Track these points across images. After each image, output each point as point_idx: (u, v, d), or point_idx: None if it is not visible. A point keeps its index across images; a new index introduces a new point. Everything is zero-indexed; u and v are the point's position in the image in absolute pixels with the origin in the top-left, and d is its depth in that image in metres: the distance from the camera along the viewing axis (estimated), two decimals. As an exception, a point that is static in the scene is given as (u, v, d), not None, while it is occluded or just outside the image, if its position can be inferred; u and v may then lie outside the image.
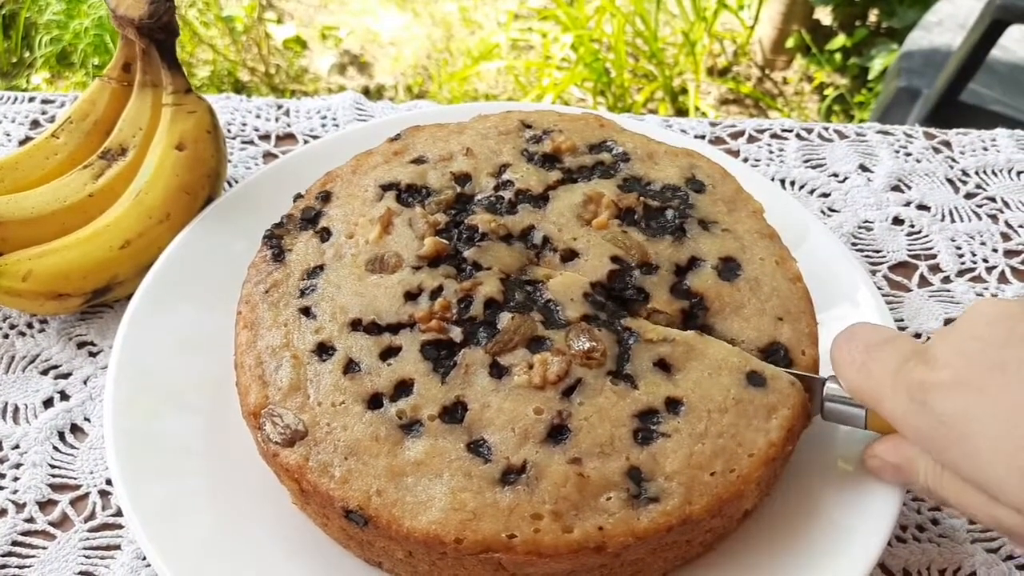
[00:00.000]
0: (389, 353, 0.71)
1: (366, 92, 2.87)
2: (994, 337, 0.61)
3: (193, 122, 0.92)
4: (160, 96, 0.94)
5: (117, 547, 0.76)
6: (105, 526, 0.77)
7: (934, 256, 1.02)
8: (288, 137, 1.12)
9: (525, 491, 0.64)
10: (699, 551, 0.70)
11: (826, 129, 1.17)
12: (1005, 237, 1.05)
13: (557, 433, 0.66)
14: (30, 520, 0.77)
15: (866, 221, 1.06)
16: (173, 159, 0.90)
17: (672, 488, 0.64)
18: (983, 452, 0.58)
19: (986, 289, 0.98)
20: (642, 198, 0.81)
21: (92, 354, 0.89)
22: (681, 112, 2.83)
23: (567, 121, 0.89)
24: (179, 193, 0.89)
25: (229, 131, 1.11)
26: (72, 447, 0.82)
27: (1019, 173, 1.13)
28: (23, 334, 0.90)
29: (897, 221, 1.06)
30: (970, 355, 0.61)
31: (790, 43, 2.95)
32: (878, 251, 1.02)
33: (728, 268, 0.77)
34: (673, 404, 0.68)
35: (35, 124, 1.11)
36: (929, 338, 0.74)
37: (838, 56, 2.87)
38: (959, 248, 1.03)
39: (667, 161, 0.85)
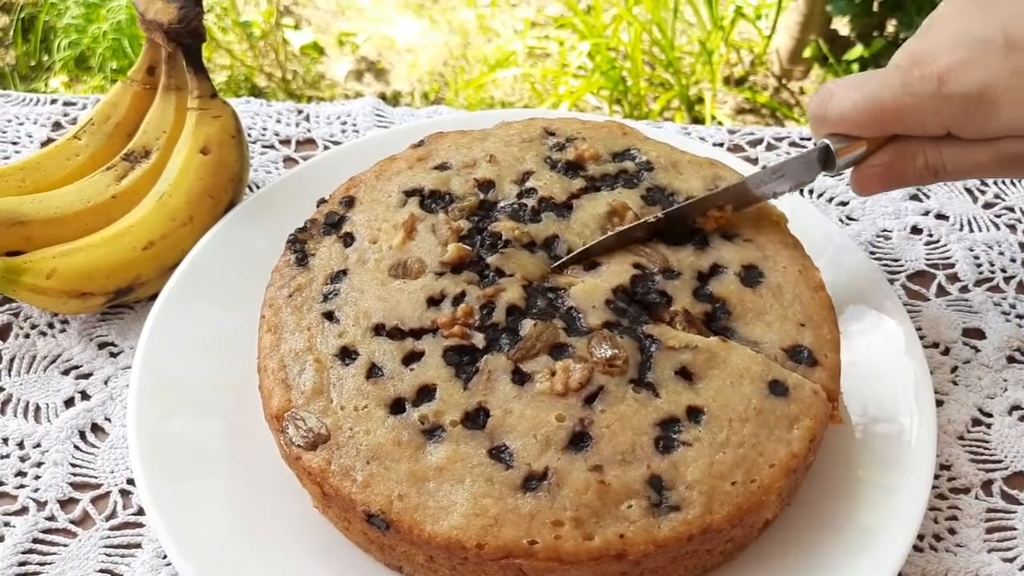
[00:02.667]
0: (412, 358, 0.71)
1: (383, 98, 2.88)
2: (961, 25, 0.76)
3: (218, 127, 0.92)
4: (184, 100, 0.95)
5: (138, 545, 0.76)
6: (126, 524, 0.77)
7: (952, 265, 1.02)
8: (308, 142, 1.12)
9: (546, 498, 0.64)
10: (719, 560, 0.70)
11: (845, 139, 1.17)
12: (1023, 247, 1.05)
13: (579, 440, 0.66)
14: (51, 518, 0.77)
15: (884, 230, 1.05)
16: (197, 163, 0.90)
17: (693, 497, 0.64)
18: (1004, 112, 0.74)
19: (1004, 299, 0.98)
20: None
21: (113, 355, 0.89)
22: (697, 121, 2.83)
23: (590, 129, 0.89)
24: (203, 196, 0.90)
25: (250, 135, 1.12)
26: (93, 446, 0.82)
27: (1038, 184, 1.13)
28: (44, 334, 0.90)
29: (915, 230, 1.06)
30: (955, 38, 0.76)
31: (807, 53, 2.94)
32: (896, 260, 1.02)
33: (750, 275, 0.77)
34: (694, 413, 0.68)
35: (57, 126, 1.12)
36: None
37: (855, 66, 2.86)
38: (977, 258, 1.03)
39: (691, 171, 0.85)
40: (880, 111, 0.78)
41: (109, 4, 2.82)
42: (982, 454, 0.85)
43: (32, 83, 2.83)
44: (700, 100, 2.88)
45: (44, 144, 1.09)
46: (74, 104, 1.15)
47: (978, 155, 0.80)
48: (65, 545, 0.76)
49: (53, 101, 1.15)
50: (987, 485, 0.82)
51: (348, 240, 0.80)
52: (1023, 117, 0.75)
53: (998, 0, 0.77)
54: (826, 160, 0.82)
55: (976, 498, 0.81)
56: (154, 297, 0.87)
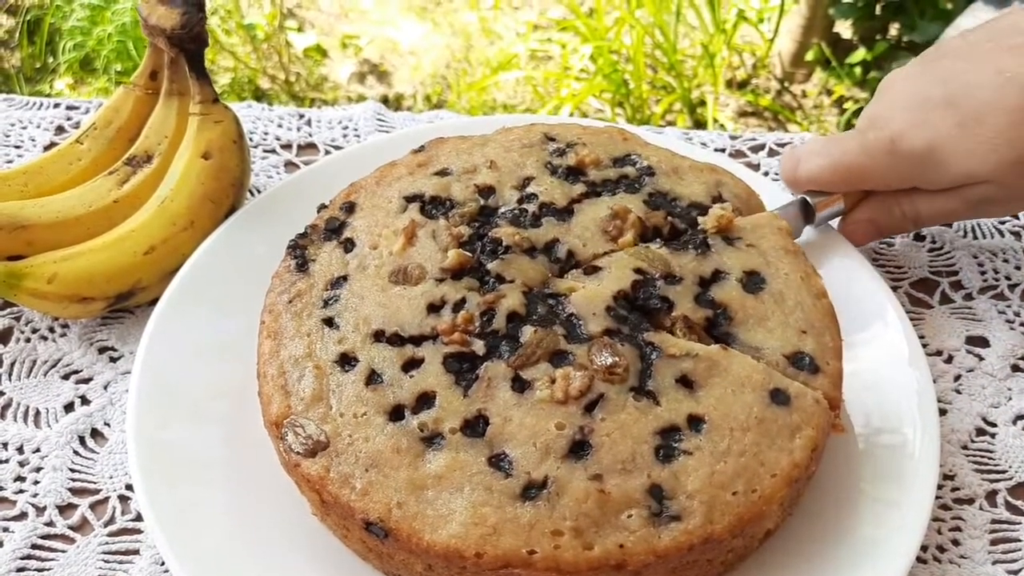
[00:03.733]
0: (411, 365, 0.71)
1: (385, 101, 2.88)
2: (909, 89, 0.85)
3: (219, 131, 0.92)
4: (186, 105, 0.95)
5: (136, 552, 0.76)
6: (124, 531, 0.77)
7: (956, 273, 1.01)
8: (310, 147, 1.12)
9: (546, 507, 0.63)
10: (720, 571, 0.70)
11: (848, 145, 1.17)
12: (1028, 255, 1.04)
13: (579, 449, 0.66)
14: (50, 524, 0.77)
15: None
16: (199, 167, 0.90)
17: (693, 507, 0.64)
18: (953, 163, 0.83)
19: (1008, 307, 0.98)
20: (670, 218, 0.81)
21: (113, 359, 0.89)
22: (699, 124, 2.83)
23: (590, 134, 0.89)
24: (204, 201, 0.90)
25: (251, 140, 1.11)
26: (92, 451, 0.82)
27: (1044, 192, 1.12)
28: (45, 338, 0.90)
29: (919, 237, 1.05)
30: (905, 100, 0.85)
31: (810, 56, 2.93)
32: (899, 267, 1.02)
33: (752, 281, 0.77)
34: (695, 421, 0.68)
35: (60, 130, 1.12)
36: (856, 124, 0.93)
37: (858, 70, 2.85)
38: (981, 265, 1.02)
39: (692, 176, 0.85)
40: (845, 171, 0.87)
41: (114, 7, 2.83)
42: (986, 464, 0.84)
43: (37, 85, 2.84)
44: (702, 103, 2.88)
45: (47, 148, 1.09)
46: (77, 108, 1.15)
47: (947, 203, 0.88)
48: (63, 551, 0.76)
49: (56, 105, 1.15)
50: (991, 496, 0.82)
51: (348, 246, 0.80)
52: (972, 166, 0.83)
53: (940, 60, 0.86)
54: (806, 214, 0.91)
55: (980, 509, 0.81)
56: (155, 302, 0.86)
